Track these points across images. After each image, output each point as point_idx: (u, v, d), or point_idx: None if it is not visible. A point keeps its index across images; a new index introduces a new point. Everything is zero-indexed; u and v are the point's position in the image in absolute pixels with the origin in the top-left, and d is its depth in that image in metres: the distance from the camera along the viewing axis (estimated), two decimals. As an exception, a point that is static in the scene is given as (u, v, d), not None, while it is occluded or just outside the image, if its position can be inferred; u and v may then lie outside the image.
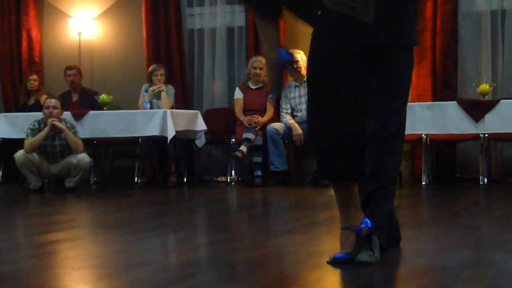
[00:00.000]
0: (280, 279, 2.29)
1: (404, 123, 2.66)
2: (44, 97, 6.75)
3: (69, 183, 5.64)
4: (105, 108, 6.36)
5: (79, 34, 7.20)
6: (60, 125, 5.56)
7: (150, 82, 6.44)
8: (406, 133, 5.43)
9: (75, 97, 6.94)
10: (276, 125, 5.95)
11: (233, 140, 6.20)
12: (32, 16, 7.42)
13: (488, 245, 2.99)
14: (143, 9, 6.92)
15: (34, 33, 7.45)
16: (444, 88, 6.38)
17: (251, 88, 6.21)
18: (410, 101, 5.76)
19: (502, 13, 6.39)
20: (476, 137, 5.84)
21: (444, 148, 6.49)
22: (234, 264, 2.60)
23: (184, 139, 6.32)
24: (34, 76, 7.02)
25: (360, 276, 2.26)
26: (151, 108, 6.28)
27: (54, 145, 5.71)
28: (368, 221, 2.31)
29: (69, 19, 7.21)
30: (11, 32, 7.51)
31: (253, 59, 6.52)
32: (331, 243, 2.73)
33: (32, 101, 6.99)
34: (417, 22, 2.86)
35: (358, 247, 2.30)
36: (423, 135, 5.85)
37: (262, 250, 2.82)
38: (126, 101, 7.04)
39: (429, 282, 2.20)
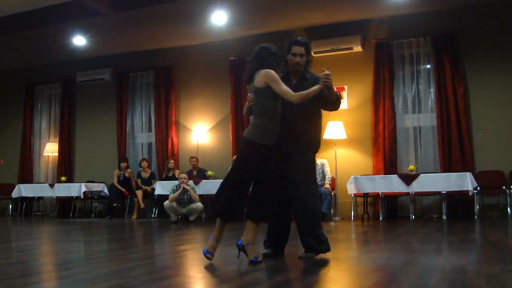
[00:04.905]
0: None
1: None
2: (177, 172, 8.70)
3: (192, 218, 7.26)
4: (210, 178, 7.91)
5: (197, 139, 9.07)
6: (188, 187, 7.28)
7: (234, 166, 7.53)
8: (372, 192, 6.61)
9: (195, 172, 8.51)
10: None
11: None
12: (173, 131, 9.55)
13: (416, 252, 3.25)
14: (230, 126, 8.92)
15: (175, 140, 9.49)
16: (390, 167, 7.81)
17: None
18: (372, 174, 7.33)
19: (419, 128, 7.89)
20: (408, 193, 7.13)
21: (390, 199, 7.67)
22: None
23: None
24: (172, 161, 8.87)
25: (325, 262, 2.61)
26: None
27: (184, 198, 7.30)
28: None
29: (192, 132, 9.24)
30: (166, 140, 9.47)
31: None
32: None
33: (170, 174, 8.75)
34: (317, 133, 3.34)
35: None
36: (379, 192, 7.06)
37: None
38: (221, 175, 7.68)
39: (381, 277, 2.37)
